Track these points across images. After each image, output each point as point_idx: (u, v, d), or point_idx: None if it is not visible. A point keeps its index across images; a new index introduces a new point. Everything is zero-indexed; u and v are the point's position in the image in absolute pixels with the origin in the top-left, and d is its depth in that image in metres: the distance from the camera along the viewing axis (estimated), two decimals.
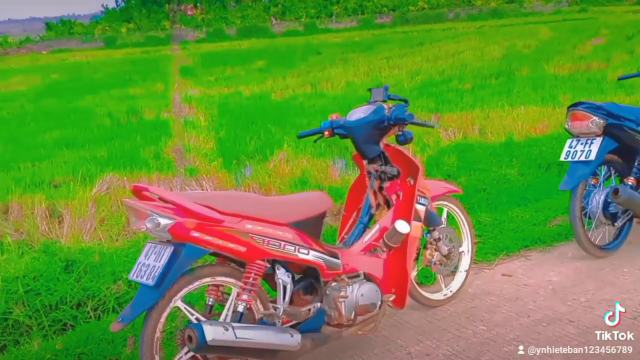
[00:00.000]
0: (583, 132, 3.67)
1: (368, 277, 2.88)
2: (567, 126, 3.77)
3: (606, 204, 3.70)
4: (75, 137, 9.46)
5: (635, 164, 3.79)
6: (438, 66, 18.02)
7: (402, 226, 2.91)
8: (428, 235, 3.23)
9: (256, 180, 6.32)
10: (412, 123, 2.95)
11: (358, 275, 2.85)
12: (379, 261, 2.97)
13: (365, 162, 3.07)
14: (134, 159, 7.40)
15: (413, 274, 3.26)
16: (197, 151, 8.10)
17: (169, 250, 2.39)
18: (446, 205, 3.41)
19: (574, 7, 45.82)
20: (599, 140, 3.63)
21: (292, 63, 22.36)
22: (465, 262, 3.49)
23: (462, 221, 3.48)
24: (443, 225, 3.32)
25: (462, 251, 3.48)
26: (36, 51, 42.25)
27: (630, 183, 3.76)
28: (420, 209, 3.02)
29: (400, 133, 2.97)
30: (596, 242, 3.81)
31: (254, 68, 21.76)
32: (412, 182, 3.01)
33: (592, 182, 3.81)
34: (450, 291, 3.45)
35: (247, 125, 9.92)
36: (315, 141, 3.20)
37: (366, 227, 3.04)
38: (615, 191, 3.58)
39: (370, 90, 3.16)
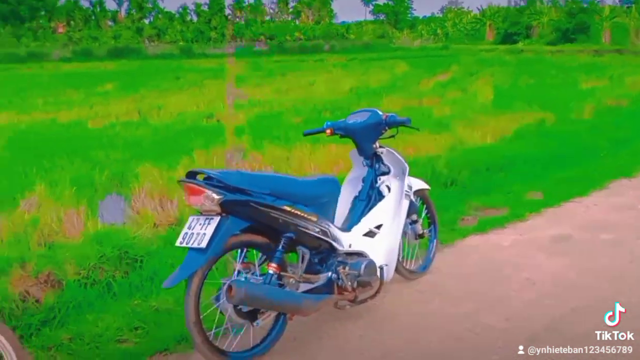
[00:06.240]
0: (204, 209, 2.83)
1: None
2: (187, 201, 2.90)
3: None
4: None
5: (280, 246, 2.97)
6: (283, 98, 17.50)
7: None
8: None
9: None
10: None
11: None
12: None
13: None
14: None
15: None
16: None
17: None
18: None
19: (438, 44, 47.91)
20: (215, 220, 2.76)
21: (139, 88, 21.05)
22: None
23: None
24: None
25: None
26: None
27: (271, 271, 2.93)
28: None
29: None
30: (232, 349, 2.92)
31: (99, 91, 20.24)
32: None
33: (241, 267, 2.96)
34: None
35: (35, 159, 8.52)
36: None
37: None
38: (229, 289, 2.74)
39: None
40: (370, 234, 3.38)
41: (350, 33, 55.42)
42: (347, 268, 3.13)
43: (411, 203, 3.68)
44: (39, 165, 7.93)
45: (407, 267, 3.85)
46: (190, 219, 2.83)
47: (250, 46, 52.29)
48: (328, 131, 3.59)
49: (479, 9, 58.99)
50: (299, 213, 2.94)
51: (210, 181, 2.79)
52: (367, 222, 3.40)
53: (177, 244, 2.78)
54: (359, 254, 3.27)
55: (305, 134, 3.83)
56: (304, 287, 3.00)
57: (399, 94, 15.78)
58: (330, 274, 3.09)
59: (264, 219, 2.85)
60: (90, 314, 3.65)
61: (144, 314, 3.52)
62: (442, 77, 20.28)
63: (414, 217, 3.75)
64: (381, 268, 3.30)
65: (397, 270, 3.66)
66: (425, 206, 3.98)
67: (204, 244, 2.68)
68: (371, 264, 3.23)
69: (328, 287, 3.10)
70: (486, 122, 10.25)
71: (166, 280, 2.73)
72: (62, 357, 3.07)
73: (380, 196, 3.52)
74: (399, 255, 3.62)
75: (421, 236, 3.81)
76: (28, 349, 3.18)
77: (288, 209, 2.91)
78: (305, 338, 3.18)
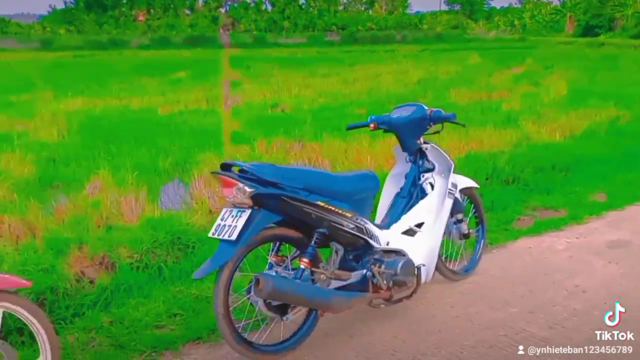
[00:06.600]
0: (237, 201, 2.83)
1: None
2: (220, 193, 2.92)
3: None
4: None
5: (313, 241, 2.92)
6: (348, 89, 17.37)
7: None
8: None
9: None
10: None
11: None
12: None
13: None
14: None
15: None
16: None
17: None
18: None
19: (514, 35, 46.32)
20: (247, 213, 2.75)
21: (210, 76, 21.44)
22: None
23: None
24: None
25: None
26: None
27: (303, 266, 2.90)
28: None
29: None
30: (261, 342, 2.91)
31: (171, 79, 20.76)
32: None
33: (274, 260, 2.95)
34: None
35: (104, 145, 8.85)
36: None
37: None
38: (257, 282, 2.72)
39: None
40: (410, 232, 3.30)
41: (424, 23, 54.47)
42: (382, 266, 3.06)
43: (456, 201, 3.56)
44: (107, 150, 8.22)
45: (451, 267, 3.73)
46: (224, 210, 2.84)
47: (322, 36, 52.19)
48: (372, 125, 3.53)
49: (559, 0, 56.81)
50: (333, 209, 2.90)
51: (244, 174, 2.79)
52: (408, 219, 3.31)
53: (210, 235, 2.80)
54: (397, 252, 3.19)
55: (349, 128, 3.77)
56: (335, 283, 2.95)
57: (468, 87, 15.36)
58: (364, 271, 3.03)
59: (296, 214, 2.82)
60: (137, 297, 3.74)
61: (184, 301, 3.58)
62: (515, 70, 19.61)
63: (459, 216, 3.63)
64: (419, 268, 3.21)
65: (439, 270, 3.56)
66: (472, 205, 3.84)
67: (234, 237, 2.69)
68: (408, 263, 3.15)
69: (362, 285, 3.04)
70: (556, 118, 9.83)
71: (197, 270, 2.76)
72: (101, 340, 3.16)
73: (423, 193, 3.42)
74: (440, 255, 3.51)
75: (466, 236, 3.69)
76: (71, 331, 3.29)
77: (322, 204, 2.86)
78: (337, 335, 3.14)
